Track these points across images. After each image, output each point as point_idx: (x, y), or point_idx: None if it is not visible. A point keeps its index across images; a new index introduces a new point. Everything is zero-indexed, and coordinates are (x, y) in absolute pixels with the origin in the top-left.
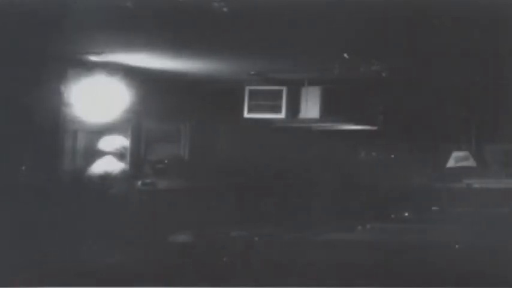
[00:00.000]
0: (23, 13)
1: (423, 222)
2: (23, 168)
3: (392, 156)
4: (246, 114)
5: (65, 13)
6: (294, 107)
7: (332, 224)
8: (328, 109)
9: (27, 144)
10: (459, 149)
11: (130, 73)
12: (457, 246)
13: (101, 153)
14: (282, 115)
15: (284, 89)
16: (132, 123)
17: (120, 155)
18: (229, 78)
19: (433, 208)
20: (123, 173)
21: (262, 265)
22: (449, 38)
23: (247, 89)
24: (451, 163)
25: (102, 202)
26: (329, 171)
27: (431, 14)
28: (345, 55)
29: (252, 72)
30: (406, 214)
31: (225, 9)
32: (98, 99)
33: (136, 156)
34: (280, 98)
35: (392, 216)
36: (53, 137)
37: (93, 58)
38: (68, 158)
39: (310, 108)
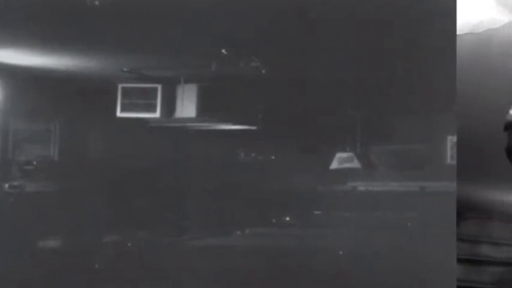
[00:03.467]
0: None
1: (305, 227)
2: None
3: (273, 157)
4: (118, 114)
5: None
6: (169, 106)
7: (210, 228)
8: (206, 108)
9: None
10: (343, 150)
11: None
12: (341, 252)
13: None
14: (156, 114)
15: (159, 87)
16: None
17: None
18: (101, 75)
19: (316, 212)
20: None
21: (135, 272)
22: (335, 34)
23: (120, 87)
24: (334, 165)
25: None
26: (207, 173)
27: (315, 9)
28: (223, 51)
29: (125, 69)
30: (288, 218)
31: (96, 2)
32: None
33: (2, 158)
34: (155, 96)
35: (273, 220)
36: None
37: None
38: None
39: (187, 107)
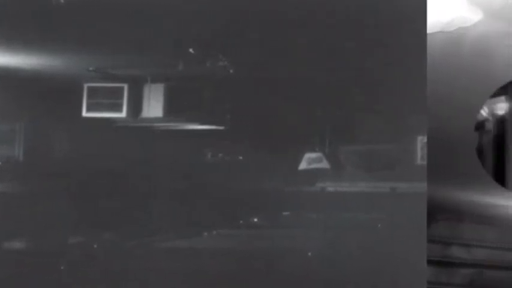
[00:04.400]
0: None
1: (274, 228)
2: None
3: (241, 157)
4: (84, 113)
5: None
6: (136, 106)
7: (177, 229)
8: (173, 108)
9: None
10: (312, 150)
11: None
12: (309, 253)
13: None
14: (123, 114)
15: (125, 87)
16: None
17: None
18: (66, 75)
19: (284, 213)
20: None
21: (101, 274)
22: (304, 33)
23: (85, 86)
24: (303, 165)
25: None
26: (174, 174)
27: (283, 8)
28: (191, 50)
29: (91, 69)
30: (256, 219)
31: (61, 0)
32: None
33: None
34: (121, 96)
35: (241, 221)
36: None
37: None
38: None
39: (154, 106)
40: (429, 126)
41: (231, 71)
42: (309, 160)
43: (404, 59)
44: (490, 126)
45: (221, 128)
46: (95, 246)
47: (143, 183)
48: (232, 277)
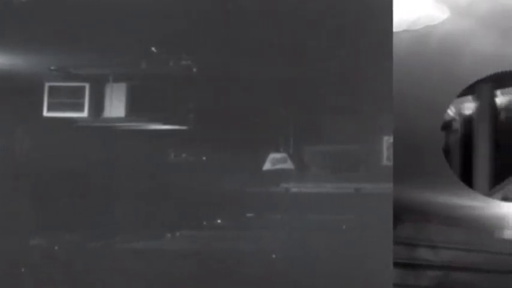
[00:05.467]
0: None
1: (237, 229)
2: None
3: (205, 158)
4: (45, 113)
5: None
6: (98, 105)
7: (140, 231)
8: (135, 107)
9: None
10: (277, 150)
11: None
12: (274, 255)
13: None
14: (84, 114)
15: (87, 86)
16: None
17: None
18: (27, 74)
19: (248, 214)
20: None
21: (63, 276)
22: (269, 33)
23: (47, 85)
24: (267, 166)
25: None
26: (136, 175)
27: (248, 7)
28: (153, 49)
29: (52, 68)
30: (219, 221)
31: None
32: None
33: None
34: (83, 95)
35: (205, 222)
36: None
37: None
38: None
39: (116, 106)
40: (395, 126)
41: (194, 70)
42: (274, 161)
43: (370, 59)
44: (457, 125)
45: (184, 128)
46: (56, 248)
47: (105, 183)
48: (195, 279)
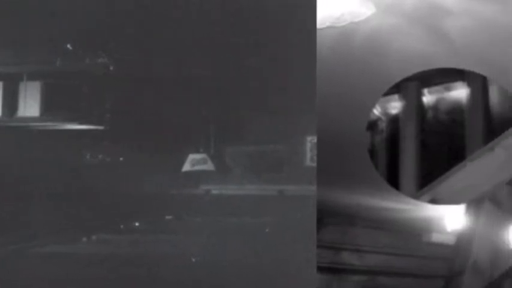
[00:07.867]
0: None
1: (156, 233)
2: None
3: (122, 159)
4: None
5: None
6: (11, 104)
7: (54, 234)
8: (50, 106)
9: None
10: (196, 151)
11: None
12: (193, 259)
13: None
14: None
15: (0, 84)
16: None
17: None
18: None
19: (167, 217)
20: None
21: None
22: (187, 30)
23: None
24: (187, 167)
25: None
26: (51, 176)
27: (166, 5)
28: (68, 46)
29: None
30: (137, 224)
31: None
32: None
33: None
34: None
35: (122, 226)
36: None
37: None
38: None
39: (30, 105)
40: (319, 127)
41: (111, 68)
42: (193, 162)
43: (293, 56)
44: (383, 125)
45: (101, 128)
46: None
47: (19, 186)
48: (112, 284)
